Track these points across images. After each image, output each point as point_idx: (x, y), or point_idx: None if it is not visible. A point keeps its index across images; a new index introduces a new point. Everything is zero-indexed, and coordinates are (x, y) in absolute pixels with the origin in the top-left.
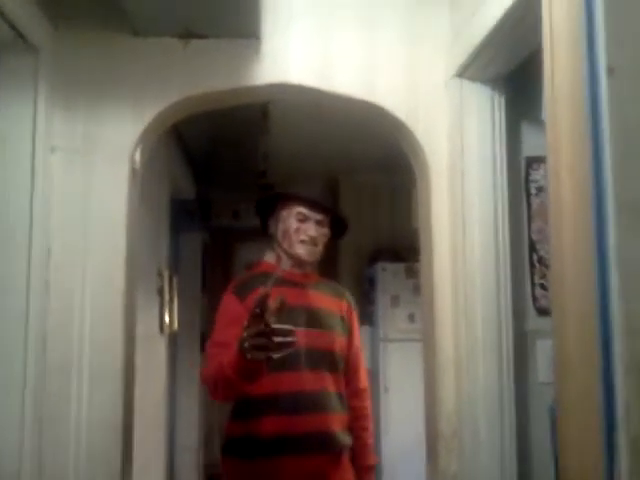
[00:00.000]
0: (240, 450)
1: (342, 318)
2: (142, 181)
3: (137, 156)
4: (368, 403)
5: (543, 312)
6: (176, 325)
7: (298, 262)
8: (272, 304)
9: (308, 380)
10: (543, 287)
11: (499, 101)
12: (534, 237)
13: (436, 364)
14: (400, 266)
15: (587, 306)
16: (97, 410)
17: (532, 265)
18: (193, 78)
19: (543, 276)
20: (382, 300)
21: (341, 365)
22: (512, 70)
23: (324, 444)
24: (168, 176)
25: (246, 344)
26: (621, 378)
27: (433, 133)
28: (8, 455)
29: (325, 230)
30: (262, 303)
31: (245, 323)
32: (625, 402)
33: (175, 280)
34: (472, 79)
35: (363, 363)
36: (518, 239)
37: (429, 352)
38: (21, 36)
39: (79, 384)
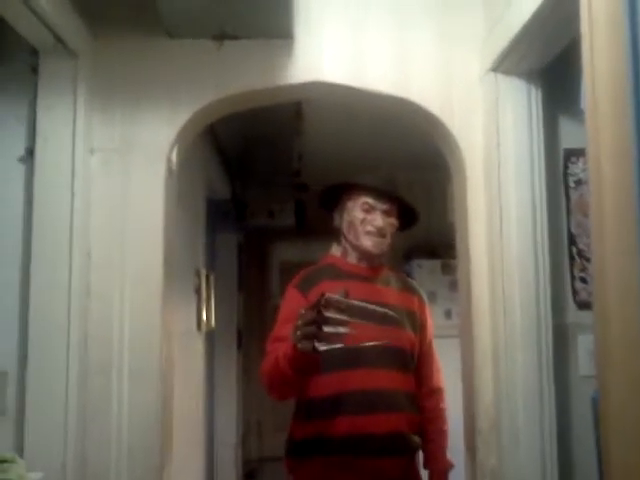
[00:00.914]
0: (312, 451)
1: (413, 314)
2: (178, 182)
3: (173, 156)
4: (443, 404)
5: (583, 305)
6: (213, 323)
7: (365, 255)
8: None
9: (380, 378)
10: (583, 280)
11: (535, 94)
12: (573, 230)
13: (474, 359)
14: (436, 263)
15: (630, 300)
16: (137, 408)
17: (572, 258)
18: (227, 79)
19: (583, 269)
20: None
21: (412, 364)
22: (548, 62)
23: (397, 445)
24: (204, 176)
25: (297, 332)
26: None
27: (468, 128)
28: (54, 452)
29: (392, 220)
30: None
31: (302, 311)
32: None
33: (212, 279)
34: (507, 73)
35: (437, 362)
36: (557, 233)
37: (467, 347)
38: (61, 41)
39: (119, 383)
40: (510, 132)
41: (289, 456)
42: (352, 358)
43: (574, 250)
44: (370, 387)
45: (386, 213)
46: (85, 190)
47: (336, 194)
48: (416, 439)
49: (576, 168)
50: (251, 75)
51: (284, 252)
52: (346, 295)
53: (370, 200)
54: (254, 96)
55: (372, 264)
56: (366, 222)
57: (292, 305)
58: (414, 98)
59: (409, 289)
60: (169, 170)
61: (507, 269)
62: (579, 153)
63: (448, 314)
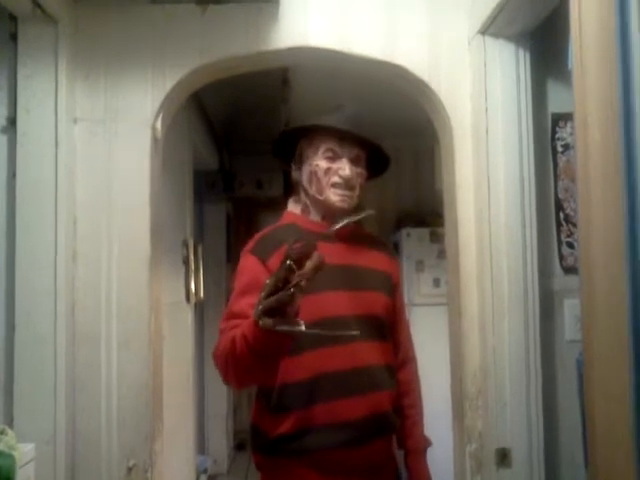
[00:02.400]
0: (291, 449)
1: (386, 275)
2: (165, 151)
3: (158, 125)
4: (416, 376)
5: (570, 270)
6: (202, 294)
7: (331, 211)
8: (308, 263)
9: (361, 353)
10: (570, 245)
11: (524, 57)
12: (560, 195)
13: (461, 325)
14: (425, 231)
15: (616, 263)
16: (126, 378)
17: (559, 224)
18: (212, 44)
19: (570, 234)
20: (407, 265)
21: (389, 332)
22: (537, 25)
23: (382, 427)
24: (190, 147)
25: (259, 307)
26: None
27: (456, 92)
28: (44, 423)
29: (361, 169)
30: (295, 259)
31: (266, 281)
32: None
33: (200, 250)
34: (495, 36)
35: (409, 328)
36: (544, 198)
37: (454, 313)
38: (39, 6)
39: (108, 353)
40: (498, 96)
41: (260, 453)
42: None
43: (561, 215)
44: (353, 365)
45: (354, 161)
46: (69, 159)
47: (293, 141)
48: (395, 417)
49: (564, 133)
50: (236, 40)
51: (272, 223)
52: (321, 261)
53: (335, 146)
54: (239, 62)
55: (340, 221)
56: (331, 172)
57: (250, 274)
58: (401, 62)
59: (380, 247)
60: (154, 139)
61: (494, 235)
62: (567, 117)
63: (437, 282)
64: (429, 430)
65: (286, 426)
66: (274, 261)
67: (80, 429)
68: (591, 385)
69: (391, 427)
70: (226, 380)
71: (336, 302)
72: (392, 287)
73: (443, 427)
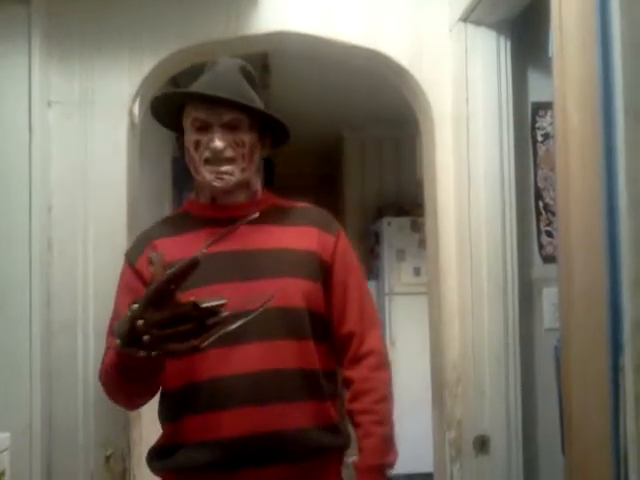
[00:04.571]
0: (162, 463)
1: (312, 255)
2: (143, 137)
3: (135, 110)
4: (378, 373)
5: (549, 259)
6: None
7: (216, 191)
8: (152, 268)
9: (253, 356)
10: (549, 234)
11: (505, 45)
12: (540, 185)
13: (441, 314)
14: (405, 220)
15: (594, 252)
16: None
17: (538, 213)
18: (189, 28)
19: (549, 223)
20: (388, 254)
21: (316, 326)
22: (518, 13)
23: (279, 448)
24: (169, 134)
25: (121, 335)
26: (628, 326)
27: (437, 80)
28: (20, 412)
29: (244, 136)
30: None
31: (132, 307)
32: (631, 324)
33: None
34: (477, 23)
35: (372, 315)
36: (524, 187)
37: (434, 302)
38: None
39: (85, 342)
40: (479, 84)
41: (148, 462)
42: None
43: (540, 204)
44: (235, 371)
45: (228, 127)
46: (44, 144)
47: (174, 111)
48: (327, 435)
49: (544, 122)
50: (214, 24)
51: None
52: (157, 259)
53: (202, 114)
54: (218, 47)
55: (236, 200)
56: (202, 146)
57: (121, 281)
58: (383, 49)
59: (307, 221)
60: (131, 124)
61: (474, 224)
62: (547, 107)
63: (417, 271)
64: (408, 419)
65: (162, 438)
66: (142, 262)
67: (56, 418)
68: (568, 372)
69: (304, 449)
70: (117, 403)
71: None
72: (320, 268)
73: (422, 415)
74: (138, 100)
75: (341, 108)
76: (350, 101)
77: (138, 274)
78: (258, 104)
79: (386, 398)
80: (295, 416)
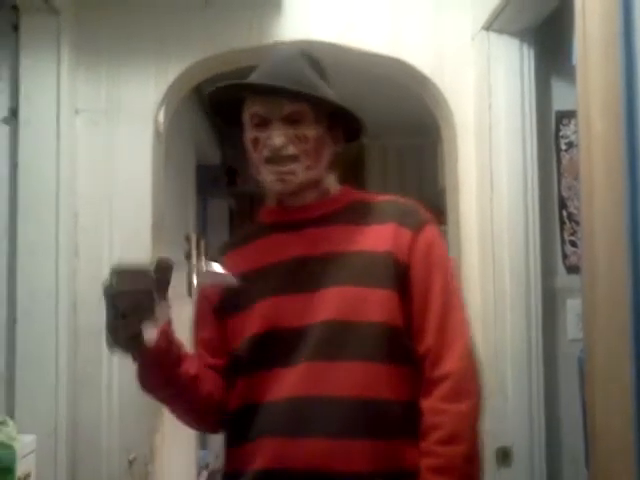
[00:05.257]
0: None
1: (387, 256)
2: (167, 145)
3: (160, 118)
4: (448, 404)
5: (573, 269)
6: None
7: (284, 193)
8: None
9: (290, 379)
10: (573, 244)
11: (528, 53)
12: (564, 194)
13: None
14: None
15: (618, 262)
16: (127, 370)
17: (562, 222)
18: (215, 37)
19: (573, 233)
20: None
21: (392, 344)
22: (542, 21)
23: None
24: (193, 141)
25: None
26: None
27: (460, 89)
28: (45, 416)
29: (307, 130)
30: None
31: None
32: None
33: (203, 245)
34: (500, 32)
35: (454, 329)
36: (548, 196)
37: None
38: None
39: None
40: (502, 93)
41: None
42: (274, 350)
43: (564, 214)
44: (304, 394)
45: (291, 120)
46: (71, 151)
47: (236, 107)
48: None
49: (568, 130)
50: (238, 33)
51: None
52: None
53: (260, 108)
54: (241, 55)
55: (303, 201)
56: (260, 144)
57: (204, 295)
58: (405, 58)
59: (388, 219)
60: (156, 132)
61: (497, 234)
62: (571, 115)
63: None
64: None
65: (229, 465)
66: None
67: (81, 422)
68: (592, 383)
69: None
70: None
71: (282, 310)
72: (396, 272)
73: None
74: (163, 108)
75: (362, 115)
76: (371, 109)
77: (208, 299)
78: (324, 92)
79: (457, 438)
80: (345, 457)
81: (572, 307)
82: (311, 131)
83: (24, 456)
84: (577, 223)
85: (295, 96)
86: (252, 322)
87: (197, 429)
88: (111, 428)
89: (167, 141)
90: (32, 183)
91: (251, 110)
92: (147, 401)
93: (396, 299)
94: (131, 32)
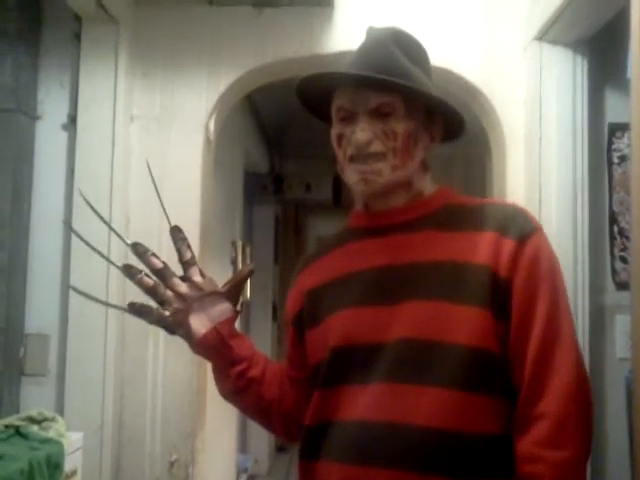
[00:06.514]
0: None
1: (483, 270)
2: (217, 152)
3: (211, 125)
4: (544, 451)
5: (623, 286)
6: (249, 294)
7: (369, 195)
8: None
9: (388, 403)
10: (623, 260)
11: (581, 64)
12: (615, 208)
13: None
14: None
15: None
16: (172, 374)
17: (612, 237)
18: (266, 47)
19: (624, 249)
20: None
21: (481, 371)
22: (596, 32)
23: None
24: (242, 148)
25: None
26: None
27: (510, 100)
28: (92, 414)
29: (397, 124)
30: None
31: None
32: None
33: (248, 251)
34: (553, 42)
35: (559, 356)
36: (598, 210)
37: None
38: (103, 7)
39: (155, 349)
40: (553, 104)
41: None
42: (350, 366)
43: (615, 229)
44: (376, 418)
45: (379, 114)
46: (125, 157)
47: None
48: None
49: (621, 143)
50: (290, 43)
51: (320, 226)
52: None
53: (346, 101)
54: (293, 64)
55: (390, 204)
56: (345, 141)
57: (287, 308)
58: (455, 68)
59: (488, 226)
60: (207, 139)
61: None
62: (625, 128)
63: None
64: None
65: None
66: (304, 278)
67: (126, 422)
68: (639, 405)
69: None
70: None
71: (359, 323)
72: (493, 289)
73: None
74: (214, 116)
75: None
76: None
77: (292, 300)
78: (419, 82)
79: None
80: None
81: (621, 324)
82: (400, 125)
83: (71, 453)
84: (628, 239)
85: (382, 86)
86: (328, 335)
87: (274, 434)
88: (154, 429)
89: (217, 148)
90: (87, 187)
91: (337, 103)
92: (190, 404)
93: (489, 319)
94: (185, 41)
